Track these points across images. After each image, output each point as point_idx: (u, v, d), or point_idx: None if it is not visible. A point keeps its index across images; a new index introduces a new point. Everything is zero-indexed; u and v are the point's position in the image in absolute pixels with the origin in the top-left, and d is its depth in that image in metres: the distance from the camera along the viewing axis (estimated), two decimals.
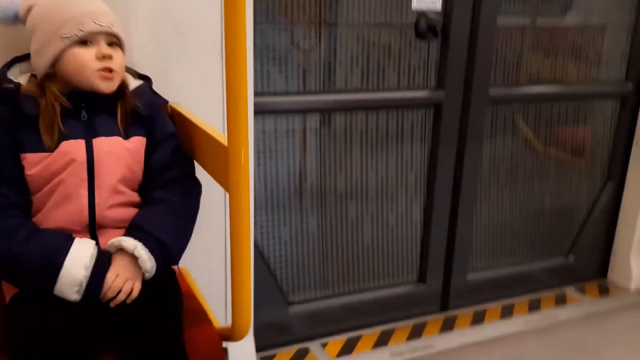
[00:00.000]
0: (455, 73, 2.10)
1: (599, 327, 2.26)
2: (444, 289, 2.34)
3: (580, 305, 2.41)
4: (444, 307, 2.35)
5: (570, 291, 2.53)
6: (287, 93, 1.93)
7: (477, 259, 2.39)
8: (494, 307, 2.38)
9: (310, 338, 2.11)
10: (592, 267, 2.65)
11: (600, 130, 2.52)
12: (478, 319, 2.30)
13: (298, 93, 1.95)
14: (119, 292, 1.13)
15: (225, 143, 1.11)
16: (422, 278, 2.30)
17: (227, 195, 1.14)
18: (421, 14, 2.01)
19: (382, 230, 2.19)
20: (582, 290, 2.54)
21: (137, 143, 1.25)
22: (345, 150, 2.06)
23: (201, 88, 1.58)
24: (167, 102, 1.41)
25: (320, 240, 2.11)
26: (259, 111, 1.78)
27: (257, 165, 1.91)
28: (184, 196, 1.26)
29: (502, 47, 2.18)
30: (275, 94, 1.90)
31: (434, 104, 2.12)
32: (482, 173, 2.29)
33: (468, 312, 2.34)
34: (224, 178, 1.15)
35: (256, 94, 1.76)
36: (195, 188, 1.30)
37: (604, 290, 2.55)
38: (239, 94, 1.07)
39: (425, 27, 2.03)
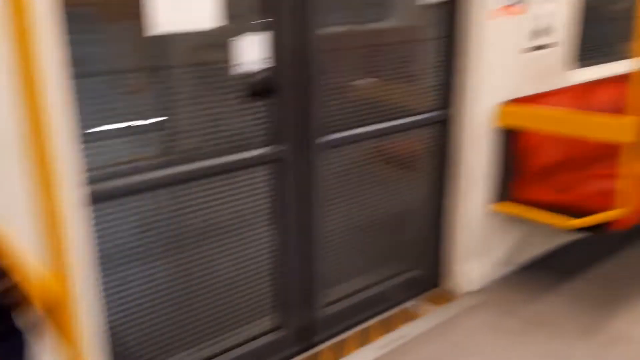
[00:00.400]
0: (290, 127, 2.15)
1: (445, 338, 2.50)
2: (305, 326, 2.42)
3: (426, 318, 2.64)
4: (307, 345, 2.43)
5: (415, 305, 2.75)
6: (116, 175, 1.83)
7: (330, 289, 2.50)
8: (353, 335, 2.52)
9: None
10: (431, 278, 2.89)
11: (425, 149, 2.74)
12: (340, 352, 2.41)
13: (129, 174, 1.86)
14: None
15: (49, 301, 1.03)
16: (284, 320, 2.35)
17: None
18: (248, 76, 2.02)
19: (237, 281, 2.20)
20: (426, 302, 2.78)
21: None
22: (186, 191, 2.01)
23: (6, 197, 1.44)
24: None
25: (174, 299, 2.06)
26: (90, 201, 1.68)
27: (93, 219, 1.77)
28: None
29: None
30: (105, 178, 1.79)
31: (273, 160, 2.15)
32: (325, 206, 2.38)
33: (330, 346, 2.45)
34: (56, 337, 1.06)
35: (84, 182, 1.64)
36: (19, 343, 1.18)
37: (442, 299, 2.81)
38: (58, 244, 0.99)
39: (255, 88, 2.04)
